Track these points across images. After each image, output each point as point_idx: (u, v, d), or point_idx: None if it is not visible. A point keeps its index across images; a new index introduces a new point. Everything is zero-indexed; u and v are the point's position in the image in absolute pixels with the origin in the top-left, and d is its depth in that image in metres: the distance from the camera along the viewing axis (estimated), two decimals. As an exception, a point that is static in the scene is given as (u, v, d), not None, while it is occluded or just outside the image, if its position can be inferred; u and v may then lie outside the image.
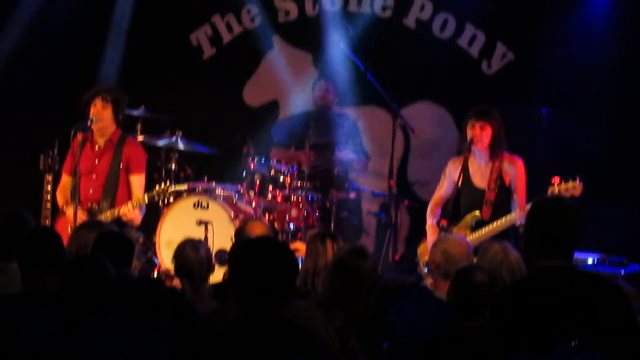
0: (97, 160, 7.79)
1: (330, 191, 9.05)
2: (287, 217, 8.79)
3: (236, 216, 8.38)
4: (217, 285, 6.02)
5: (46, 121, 9.40)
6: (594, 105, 8.94)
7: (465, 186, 7.41)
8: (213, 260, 5.95)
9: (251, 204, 8.72)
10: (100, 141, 7.81)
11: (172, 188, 7.60)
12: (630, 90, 8.91)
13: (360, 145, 9.49)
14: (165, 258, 8.21)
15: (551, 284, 4.09)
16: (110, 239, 5.32)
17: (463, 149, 7.38)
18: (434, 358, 4.10)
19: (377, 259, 8.62)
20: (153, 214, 8.39)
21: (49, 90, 9.82)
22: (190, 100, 9.88)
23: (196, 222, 8.23)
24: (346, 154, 9.23)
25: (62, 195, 7.81)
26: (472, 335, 4.29)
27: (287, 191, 8.80)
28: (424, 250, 7.33)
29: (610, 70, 8.96)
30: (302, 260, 5.93)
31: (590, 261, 7.76)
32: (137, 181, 7.79)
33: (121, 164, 7.75)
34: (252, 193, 8.77)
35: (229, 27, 10.22)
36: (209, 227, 8.15)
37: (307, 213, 8.78)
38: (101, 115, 7.71)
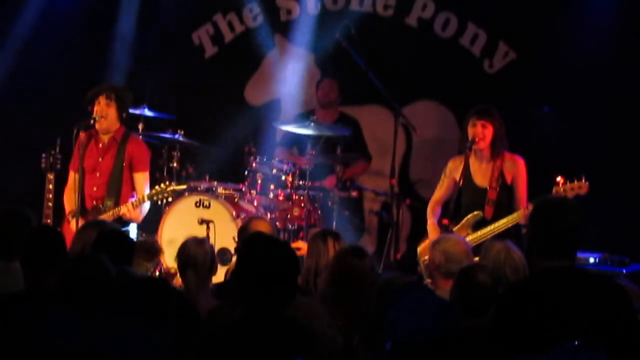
0: (100, 158, 7.77)
1: (331, 190, 9.05)
2: (288, 216, 8.79)
3: (238, 215, 8.38)
4: (219, 285, 6.02)
5: (48, 120, 9.40)
6: (596, 104, 8.94)
7: (467, 185, 7.40)
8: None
9: (253, 203, 8.72)
10: (104, 139, 7.80)
11: (171, 187, 7.59)
12: (631, 90, 8.90)
13: (363, 145, 9.48)
14: (167, 257, 8.20)
15: (554, 284, 4.09)
16: (110, 238, 5.32)
17: (464, 147, 7.37)
18: (436, 357, 4.10)
19: (378, 258, 8.62)
20: (155, 213, 8.38)
21: (52, 89, 9.81)
22: (192, 99, 9.88)
23: (198, 221, 8.23)
24: (348, 153, 9.23)
25: (69, 198, 7.78)
26: (475, 334, 4.28)
27: (288, 190, 8.80)
28: (425, 250, 7.33)
29: (612, 69, 8.96)
30: (303, 259, 5.93)
31: (591, 260, 7.76)
32: (141, 179, 7.78)
33: (124, 161, 7.73)
34: (253, 192, 8.76)
35: (231, 26, 10.22)
36: (211, 226, 8.16)
37: (308, 212, 8.78)
38: (105, 113, 7.71)
